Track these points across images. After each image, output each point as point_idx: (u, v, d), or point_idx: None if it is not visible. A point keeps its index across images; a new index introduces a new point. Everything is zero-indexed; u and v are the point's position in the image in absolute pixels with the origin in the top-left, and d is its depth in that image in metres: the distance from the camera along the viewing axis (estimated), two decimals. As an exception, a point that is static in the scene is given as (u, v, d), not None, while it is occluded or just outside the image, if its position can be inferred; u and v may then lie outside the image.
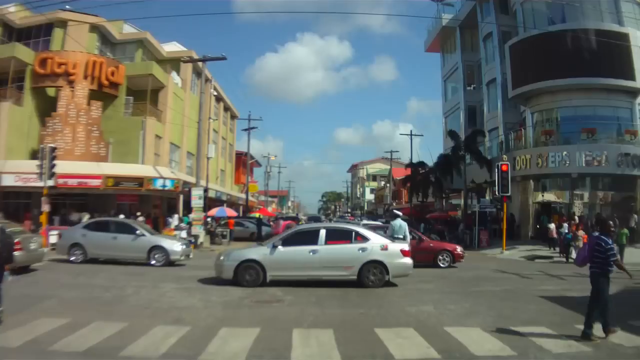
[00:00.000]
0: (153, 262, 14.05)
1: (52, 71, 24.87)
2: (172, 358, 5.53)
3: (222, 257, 10.92)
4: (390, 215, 39.84)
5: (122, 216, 24.05)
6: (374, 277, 10.51)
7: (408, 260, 10.82)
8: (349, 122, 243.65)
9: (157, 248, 14.29)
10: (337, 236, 10.93)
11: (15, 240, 11.35)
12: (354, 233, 11.02)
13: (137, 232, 14.61)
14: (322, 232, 10.79)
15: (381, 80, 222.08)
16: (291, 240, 10.87)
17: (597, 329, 6.90)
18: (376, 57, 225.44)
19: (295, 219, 46.89)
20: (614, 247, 6.58)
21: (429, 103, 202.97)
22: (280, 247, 10.60)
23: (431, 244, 16.06)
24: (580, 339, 6.35)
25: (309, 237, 10.80)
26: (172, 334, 6.40)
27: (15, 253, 11.22)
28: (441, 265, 15.32)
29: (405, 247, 11.04)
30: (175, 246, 14.60)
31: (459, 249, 16.06)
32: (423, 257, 15.36)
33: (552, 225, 20.99)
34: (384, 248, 10.67)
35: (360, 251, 10.59)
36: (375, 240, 10.83)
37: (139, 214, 24.68)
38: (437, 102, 47.66)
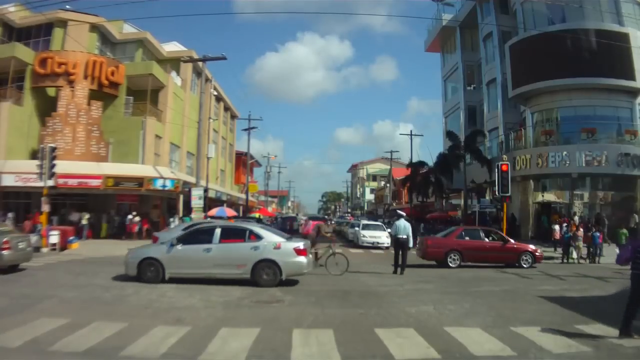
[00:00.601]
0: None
1: (52, 71, 24.88)
2: (172, 358, 5.52)
3: (128, 255, 11.24)
4: (391, 215, 39.83)
5: (130, 217, 24.13)
6: (267, 276, 10.41)
7: (302, 259, 10.59)
8: (350, 122, 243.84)
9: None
10: (232, 235, 10.99)
11: (4, 240, 11.53)
12: (247, 232, 10.99)
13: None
14: (217, 231, 10.92)
15: (382, 80, 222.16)
16: (188, 238, 11.11)
17: (598, 329, 6.92)
18: (377, 56, 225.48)
19: (294, 219, 46.95)
20: None
21: (430, 103, 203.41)
22: (177, 246, 10.79)
23: (515, 246, 16.28)
24: (620, 336, 6.43)
25: (205, 236, 10.95)
26: (172, 334, 6.39)
27: (4, 252, 11.45)
28: (524, 265, 15.55)
29: (300, 245, 10.72)
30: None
31: (539, 250, 16.43)
32: (508, 258, 15.81)
33: (557, 227, 20.97)
34: (277, 247, 10.56)
35: (253, 250, 10.53)
36: (269, 239, 10.72)
37: (134, 213, 24.70)
38: (438, 101, 47.75)
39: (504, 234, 17.09)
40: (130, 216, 24.28)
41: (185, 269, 10.71)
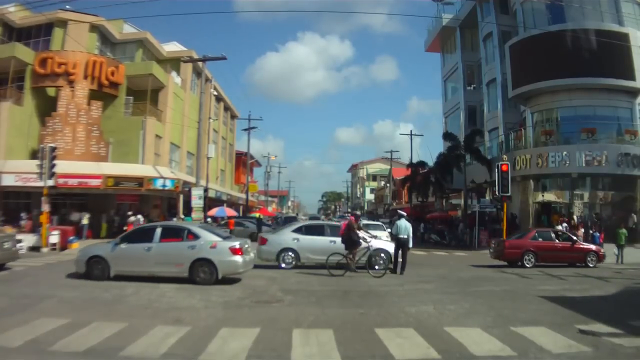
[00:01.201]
0: (376, 267, 13.65)
1: (52, 71, 24.89)
2: (172, 358, 5.52)
3: (79, 253, 11.64)
4: (391, 215, 39.78)
5: (140, 217, 24.13)
6: (204, 274, 10.62)
7: (238, 259, 10.73)
8: (350, 122, 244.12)
9: (379, 251, 14.09)
10: (171, 234, 11.30)
11: None
12: (186, 231, 11.25)
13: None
14: (158, 230, 11.24)
15: (382, 80, 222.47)
16: (131, 237, 11.52)
17: (598, 329, 6.92)
18: (377, 56, 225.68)
19: (294, 219, 46.88)
20: None
21: (430, 103, 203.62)
22: (122, 245, 11.17)
23: (582, 246, 16.84)
24: None
25: (147, 235, 11.26)
26: (172, 334, 6.39)
27: None
28: (590, 265, 16.12)
29: (236, 245, 10.87)
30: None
31: (602, 250, 17.11)
32: (576, 257, 16.40)
33: (560, 228, 20.96)
34: (213, 246, 10.74)
35: (190, 249, 10.75)
36: (206, 238, 10.92)
37: (130, 213, 24.66)
38: (438, 101, 47.68)
39: (571, 235, 17.57)
40: (140, 216, 24.30)
41: (129, 267, 11.03)
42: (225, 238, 11.38)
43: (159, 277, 10.73)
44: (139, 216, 24.20)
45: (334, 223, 16.50)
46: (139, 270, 10.93)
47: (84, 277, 10.97)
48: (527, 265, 15.70)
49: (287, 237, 14.36)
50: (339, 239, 13.66)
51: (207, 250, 10.68)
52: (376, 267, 13.44)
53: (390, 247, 14.10)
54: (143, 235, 11.36)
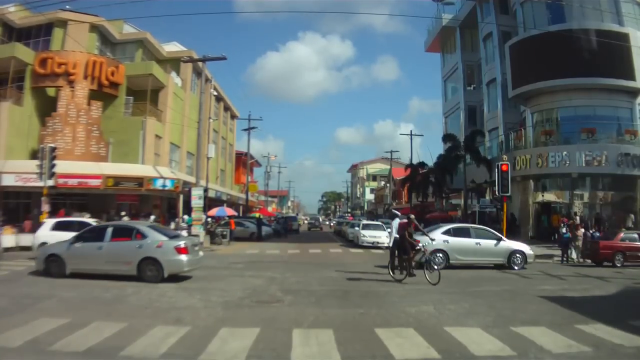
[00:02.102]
0: (515, 267, 14.97)
1: (52, 71, 24.87)
2: (172, 358, 5.52)
3: (39, 251, 12.02)
4: (390, 215, 39.76)
5: (153, 217, 24.09)
6: (151, 272, 10.87)
7: (183, 257, 11.01)
8: (351, 122, 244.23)
9: (517, 252, 15.28)
10: (121, 233, 11.55)
11: None
12: (134, 231, 11.51)
13: (501, 238, 15.64)
14: (109, 230, 11.59)
15: (383, 80, 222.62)
16: (85, 236, 11.84)
17: (598, 329, 6.92)
18: (378, 56, 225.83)
19: (293, 219, 47.00)
20: None
21: (431, 103, 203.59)
22: (76, 244, 11.50)
23: None
24: None
25: (99, 234, 11.63)
26: (172, 334, 6.40)
27: None
28: None
29: (181, 244, 11.18)
30: (530, 250, 15.64)
31: None
32: None
33: (565, 230, 20.91)
34: (159, 245, 10.99)
35: (138, 248, 11.02)
36: (153, 238, 11.17)
37: (123, 213, 24.64)
38: (439, 101, 47.60)
39: None
40: (153, 216, 24.30)
41: (83, 265, 11.32)
42: (171, 237, 11.64)
43: (111, 275, 10.96)
44: (152, 217, 24.29)
45: (479, 226, 16.85)
46: (91, 268, 11.21)
47: (42, 274, 11.27)
48: (617, 265, 16.43)
49: (437, 238, 14.56)
50: (484, 241, 14.54)
51: (154, 250, 10.95)
52: (515, 267, 14.79)
53: (525, 248, 15.48)
54: (95, 235, 11.70)
